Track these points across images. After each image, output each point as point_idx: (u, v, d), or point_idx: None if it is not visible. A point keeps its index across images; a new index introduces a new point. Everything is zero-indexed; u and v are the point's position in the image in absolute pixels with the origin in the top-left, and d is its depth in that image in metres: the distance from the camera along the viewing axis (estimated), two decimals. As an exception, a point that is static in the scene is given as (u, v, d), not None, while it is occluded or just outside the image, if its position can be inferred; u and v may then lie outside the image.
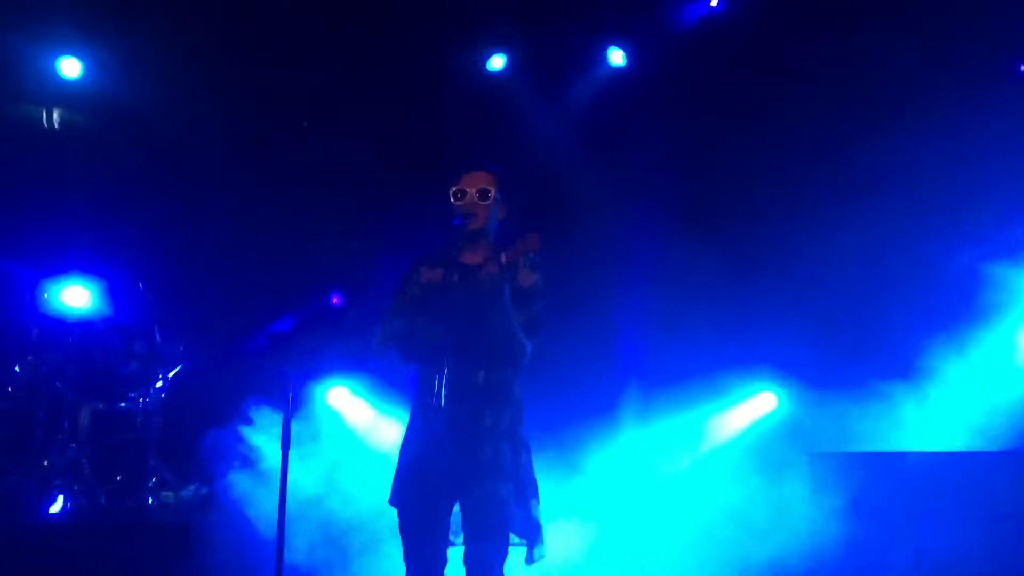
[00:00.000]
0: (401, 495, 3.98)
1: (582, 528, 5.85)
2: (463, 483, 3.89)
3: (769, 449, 6.03)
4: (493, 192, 4.05)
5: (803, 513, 5.35)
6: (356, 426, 6.36)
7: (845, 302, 6.39)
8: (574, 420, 6.16)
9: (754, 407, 6.41)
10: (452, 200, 4.06)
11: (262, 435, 5.79)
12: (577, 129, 7.17)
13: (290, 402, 4.39)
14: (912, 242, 6.35)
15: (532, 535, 3.97)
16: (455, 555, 3.95)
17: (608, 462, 6.17)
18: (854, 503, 5.25)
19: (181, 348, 6.25)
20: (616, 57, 7.20)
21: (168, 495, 5.99)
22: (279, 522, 4.07)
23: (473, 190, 4.05)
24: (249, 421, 5.87)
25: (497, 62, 7.23)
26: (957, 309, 6.18)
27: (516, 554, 3.91)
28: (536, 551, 3.98)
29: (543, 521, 3.97)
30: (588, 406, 6.33)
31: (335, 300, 6.86)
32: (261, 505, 5.45)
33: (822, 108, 6.59)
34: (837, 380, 6.15)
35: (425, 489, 3.90)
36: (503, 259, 3.80)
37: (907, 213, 6.29)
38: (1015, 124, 6.28)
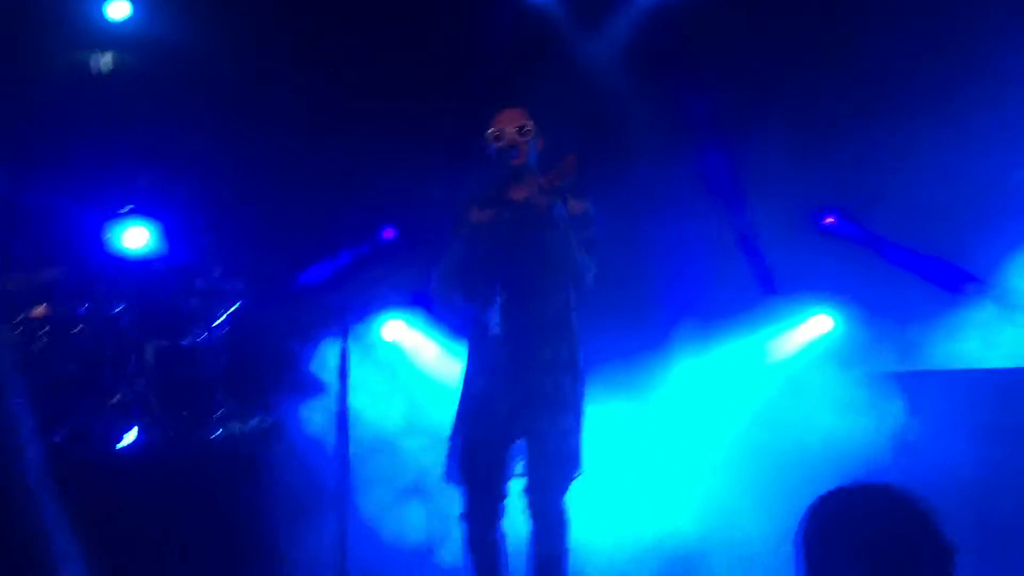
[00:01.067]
0: (462, 429, 4.06)
1: (638, 453, 5.91)
2: (525, 415, 3.95)
3: (827, 370, 5.98)
4: (530, 126, 4.09)
5: (863, 433, 5.34)
6: (416, 358, 6.43)
7: (905, 217, 6.29)
8: (630, 350, 6.15)
9: (811, 329, 6.36)
10: (492, 141, 4.09)
11: (324, 367, 5.89)
12: (622, 60, 7.04)
13: (347, 334, 4.47)
14: (977, 158, 6.17)
15: (578, 464, 4.03)
16: (515, 488, 4.02)
17: (664, 388, 6.18)
18: (916, 421, 5.23)
19: (240, 285, 6.36)
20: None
21: (235, 426, 6.15)
22: (339, 452, 4.17)
23: (511, 127, 4.10)
24: (310, 353, 5.96)
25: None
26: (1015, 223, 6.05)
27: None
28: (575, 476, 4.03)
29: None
30: (643, 336, 6.32)
31: (387, 234, 6.93)
32: (326, 435, 5.56)
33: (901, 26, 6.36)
34: (896, 300, 6.10)
35: (486, 422, 3.98)
36: (543, 183, 3.83)
37: (972, 128, 6.11)
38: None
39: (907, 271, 6.41)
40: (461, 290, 4.11)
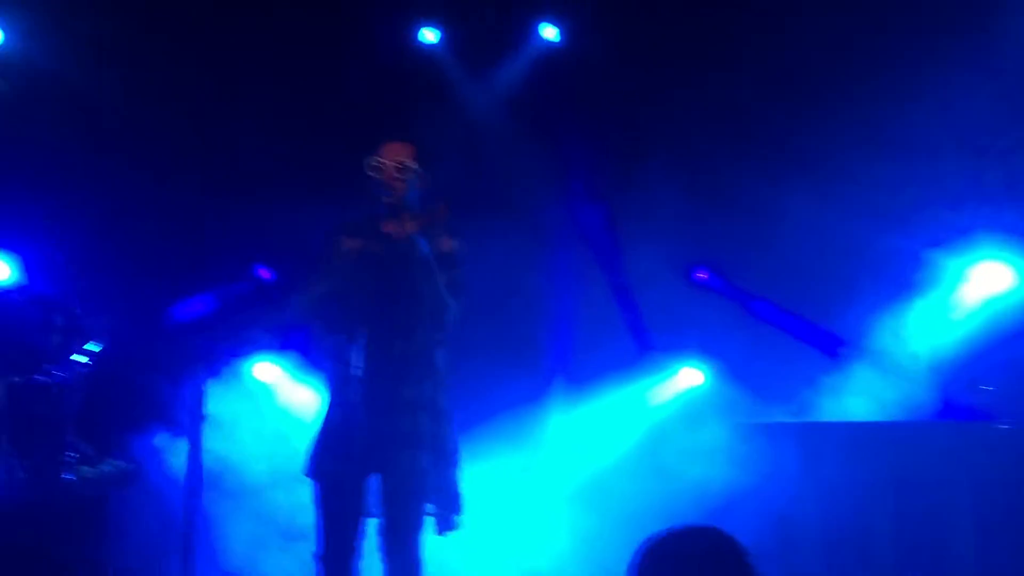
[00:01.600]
0: (318, 466, 3.98)
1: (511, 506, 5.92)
2: (380, 453, 3.89)
3: (695, 420, 6.10)
4: (410, 163, 4.07)
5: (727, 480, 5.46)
6: (286, 400, 6.33)
7: (776, 280, 6.48)
8: (502, 406, 6.17)
9: (680, 382, 6.48)
10: (370, 172, 4.07)
11: (184, 409, 5.72)
12: (508, 106, 7.15)
13: (209, 375, 4.37)
14: (848, 222, 6.40)
15: (450, 504, 3.99)
16: (371, 527, 3.96)
17: (537, 443, 6.21)
18: (777, 470, 5.36)
19: (102, 321, 6.15)
20: (549, 33, 7.20)
21: (87, 470, 5.90)
22: (191, 492, 4.05)
23: (391, 162, 4.07)
24: (171, 395, 5.80)
25: (430, 35, 7.19)
26: (880, 287, 6.29)
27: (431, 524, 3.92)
28: (453, 520, 4.00)
29: (463, 492, 3.99)
30: (515, 393, 6.36)
31: (263, 274, 6.82)
32: (180, 477, 5.39)
33: (764, 89, 6.56)
34: (763, 354, 6.27)
35: (342, 460, 3.90)
36: (408, 225, 3.83)
37: (846, 193, 6.35)
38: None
39: (777, 329, 6.59)
40: (322, 320, 4.06)
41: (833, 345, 6.34)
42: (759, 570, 2.33)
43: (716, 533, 2.40)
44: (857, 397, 6.05)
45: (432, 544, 3.97)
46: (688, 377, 6.47)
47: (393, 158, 4.06)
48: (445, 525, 3.99)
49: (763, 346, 6.43)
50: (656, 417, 6.35)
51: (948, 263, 6.16)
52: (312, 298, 4.04)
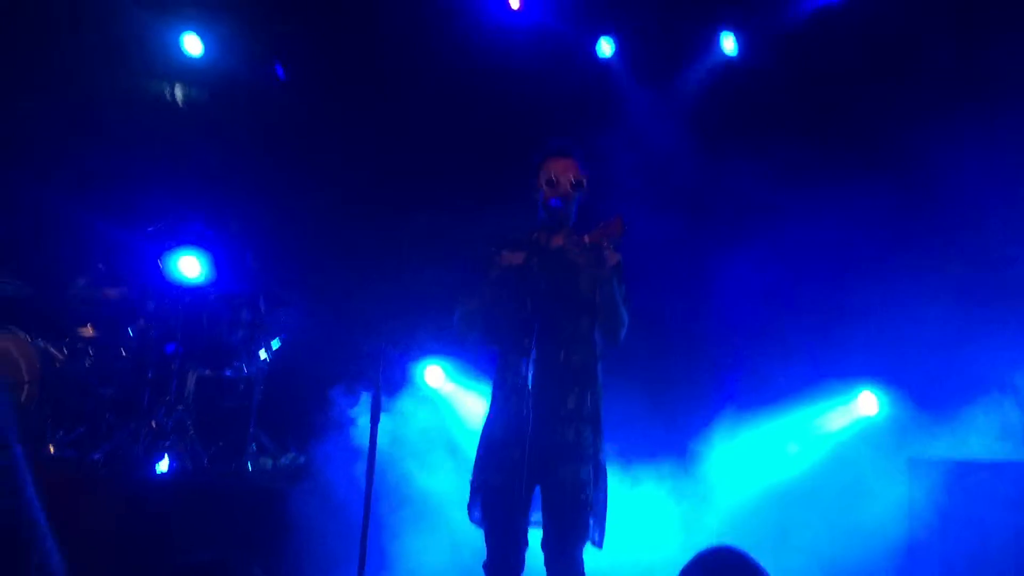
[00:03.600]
0: (484, 476, 4.03)
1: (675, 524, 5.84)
2: (545, 465, 3.91)
3: (868, 452, 5.86)
4: (583, 179, 4.09)
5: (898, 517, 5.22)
6: (452, 404, 6.42)
7: (953, 305, 6.14)
8: (667, 424, 6.10)
9: (855, 409, 6.24)
10: (543, 186, 4.08)
11: (359, 408, 5.91)
12: (681, 120, 7.06)
13: (380, 378, 4.47)
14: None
15: (603, 519, 3.99)
16: (534, 537, 3.98)
17: (705, 463, 6.10)
18: (952, 511, 5.09)
19: (284, 319, 6.43)
20: (728, 45, 7.07)
21: (266, 461, 6.18)
22: (366, 494, 4.16)
23: (566, 176, 4.07)
24: (348, 394, 5.99)
25: (607, 47, 7.19)
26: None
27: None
28: (602, 533, 3.99)
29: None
30: (683, 411, 6.26)
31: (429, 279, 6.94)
32: (355, 477, 5.56)
33: (934, 117, 6.29)
34: (941, 385, 5.95)
35: (507, 470, 3.93)
36: (586, 240, 3.82)
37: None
38: None
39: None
40: (482, 331, 4.10)
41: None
42: None
43: (734, 553, 2.76)
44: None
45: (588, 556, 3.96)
46: (864, 405, 6.21)
47: (567, 174, 4.07)
48: (601, 537, 3.99)
49: (947, 373, 6.08)
50: (826, 445, 6.11)
51: None
52: (472, 311, 4.08)
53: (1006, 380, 5.76)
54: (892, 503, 5.42)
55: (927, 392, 5.97)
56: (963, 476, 5.22)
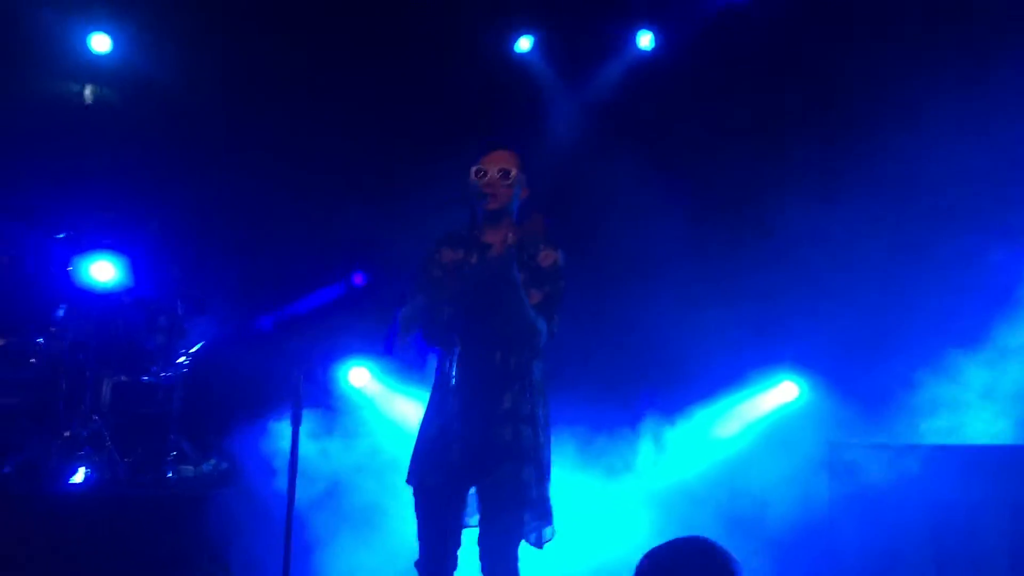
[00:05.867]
0: (417, 475, 3.99)
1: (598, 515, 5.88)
2: (481, 464, 3.88)
3: (789, 438, 5.98)
4: (515, 172, 4.02)
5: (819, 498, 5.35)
6: (378, 405, 6.37)
7: (871, 291, 6.32)
8: (593, 412, 6.14)
9: (775, 396, 6.37)
10: (473, 179, 4.03)
11: (282, 412, 5.81)
12: (601, 113, 7.12)
13: (302, 380, 4.41)
14: (944, 234, 6.23)
15: (545, 516, 3.97)
16: (469, 537, 3.96)
17: (628, 452, 6.16)
18: (870, 491, 5.23)
19: (203, 323, 6.29)
20: (645, 41, 7.16)
21: (188, 469, 6.04)
22: (289, 498, 4.09)
23: (494, 169, 4.01)
24: (270, 397, 5.89)
25: (525, 43, 7.21)
26: (987, 302, 6.08)
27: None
28: (545, 533, 3.98)
29: (553, 504, 3.97)
30: (608, 398, 6.31)
31: (357, 279, 6.88)
32: (280, 481, 5.47)
33: (853, 98, 6.48)
34: (860, 371, 6.11)
35: (441, 470, 3.89)
36: (509, 239, 3.78)
37: (939, 204, 6.19)
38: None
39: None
40: (422, 332, 4.05)
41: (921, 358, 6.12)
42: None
43: (707, 544, 2.68)
44: (960, 417, 5.85)
45: (525, 554, 3.95)
46: (784, 392, 6.35)
47: (497, 165, 4.02)
48: (540, 537, 3.98)
49: (865, 360, 6.24)
50: (751, 432, 6.24)
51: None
52: (413, 311, 4.03)
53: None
54: (813, 485, 5.55)
55: (845, 379, 6.13)
56: (880, 458, 5.38)
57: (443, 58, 6.90)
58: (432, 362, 4.06)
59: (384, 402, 6.36)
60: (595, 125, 7.13)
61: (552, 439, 4.04)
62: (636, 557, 5.62)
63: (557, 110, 7.16)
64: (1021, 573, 4.84)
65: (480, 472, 3.88)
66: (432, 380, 4.06)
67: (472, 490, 3.95)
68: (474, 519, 3.96)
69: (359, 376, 6.48)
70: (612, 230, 6.77)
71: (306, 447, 5.26)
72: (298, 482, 4.40)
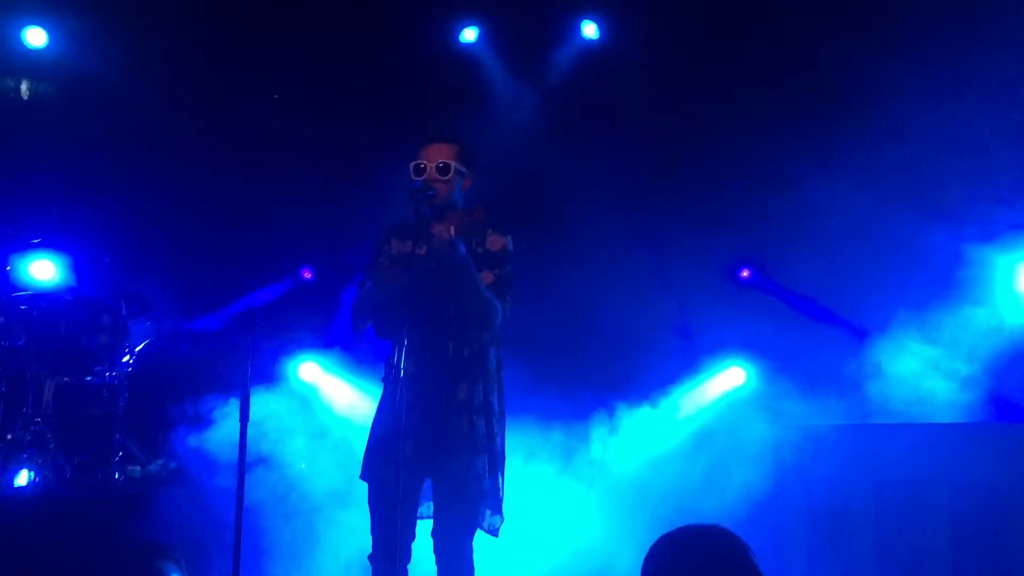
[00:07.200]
0: (370, 468, 3.98)
1: (550, 503, 5.91)
2: (436, 456, 3.88)
3: (737, 422, 6.06)
4: (453, 165, 4.02)
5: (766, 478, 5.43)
6: (328, 400, 6.34)
7: (814, 275, 6.42)
8: (545, 401, 6.17)
9: (723, 382, 6.44)
10: (413, 174, 4.04)
11: (230, 408, 5.76)
12: (548, 102, 7.13)
13: (249, 375, 4.36)
14: (887, 218, 6.33)
15: (497, 507, 3.99)
16: (423, 528, 3.95)
17: (578, 439, 6.19)
18: (814, 471, 5.32)
19: (148, 322, 6.20)
20: (590, 30, 7.17)
21: (134, 469, 5.96)
22: (238, 494, 4.05)
23: (432, 164, 4.02)
24: (218, 394, 5.83)
25: (470, 34, 7.19)
26: (928, 284, 6.19)
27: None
28: (496, 521, 3.99)
29: (505, 494, 3.99)
30: (559, 386, 6.34)
31: (305, 274, 6.84)
32: (229, 479, 5.42)
33: (805, 82, 6.53)
34: (805, 355, 6.20)
35: (393, 462, 3.88)
36: (451, 230, 3.78)
37: (885, 190, 6.28)
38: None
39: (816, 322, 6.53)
40: (373, 324, 4.04)
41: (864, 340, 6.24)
42: (762, 567, 2.51)
43: (722, 532, 2.58)
44: (902, 397, 5.96)
45: (479, 545, 3.97)
46: (731, 377, 6.42)
47: (435, 160, 4.02)
48: (493, 527, 3.99)
49: (808, 344, 6.35)
50: (699, 418, 6.30)
51: (998, 260, 6.05)
52: (363, 304, 4.02)
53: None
54: (761, 465, 5.66)
55: (790, 363, 6.22)
56: (823, 439, 5.53)
57: (388, 50, 6.86)
58: (384, 354, 4.04)
59: (335, 395, 6.32)
60: (544, 114, 7.13)
61: (506, 428, 4.06)
62: (589, 546, 5.66)
63: (504, 100, 7.15)
64: (961, 548, 4.96)
65: (434, 465, 3.89)
66: (384, 371, 4.05)
67: (427, 482, 3.95)
68: (428, 509, 3.96)
69: (309, 370, 6.43)
70: (563, 218, 6.78)
71: (255, 444, 5.20)
72: (248, 479, 4.35)
